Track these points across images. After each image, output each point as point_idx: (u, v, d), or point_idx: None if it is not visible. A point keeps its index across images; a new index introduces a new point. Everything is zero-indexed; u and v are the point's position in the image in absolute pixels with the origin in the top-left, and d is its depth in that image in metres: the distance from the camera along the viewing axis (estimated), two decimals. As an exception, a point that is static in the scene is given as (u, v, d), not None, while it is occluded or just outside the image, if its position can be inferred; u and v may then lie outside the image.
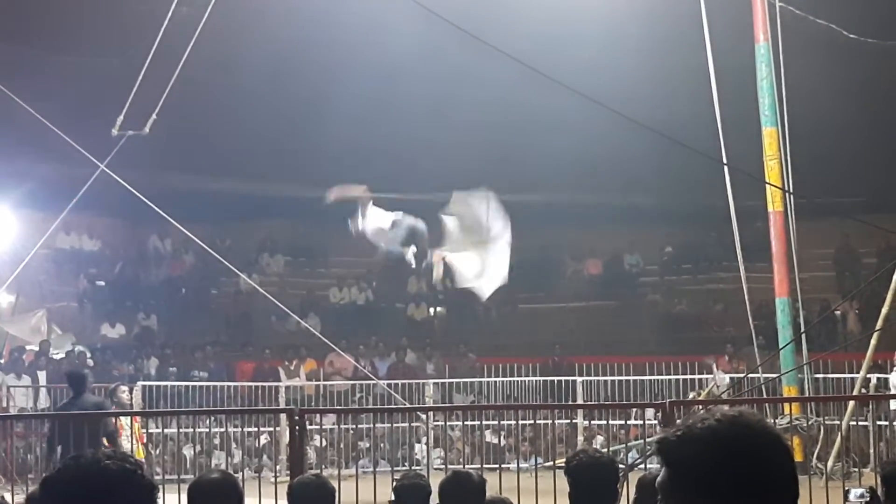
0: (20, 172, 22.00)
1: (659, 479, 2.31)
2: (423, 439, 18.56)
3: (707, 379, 20.51)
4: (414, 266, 14.98)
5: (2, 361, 22.00)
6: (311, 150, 23.75)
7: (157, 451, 17.90)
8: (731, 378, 19.13)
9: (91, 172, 15.15)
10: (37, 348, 22.69)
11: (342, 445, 18.63)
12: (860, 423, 16.24)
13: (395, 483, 6.20)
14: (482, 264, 14.47)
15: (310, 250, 30.25)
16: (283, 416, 16.02)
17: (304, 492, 5.79)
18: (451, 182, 24.03)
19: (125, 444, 13.86)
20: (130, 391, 19.96)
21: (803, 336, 15.39)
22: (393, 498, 6.05)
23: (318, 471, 13.01)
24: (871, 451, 15.85)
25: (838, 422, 15.60)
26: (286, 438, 13.33)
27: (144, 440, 16.38)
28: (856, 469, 13.96)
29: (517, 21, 19.55)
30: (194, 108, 21.15)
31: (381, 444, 18.74)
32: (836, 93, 21.37)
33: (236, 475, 16.28)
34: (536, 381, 21.96)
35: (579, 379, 20.80)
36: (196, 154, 24.74)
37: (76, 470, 2.38)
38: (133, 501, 2.38)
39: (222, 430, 17.54)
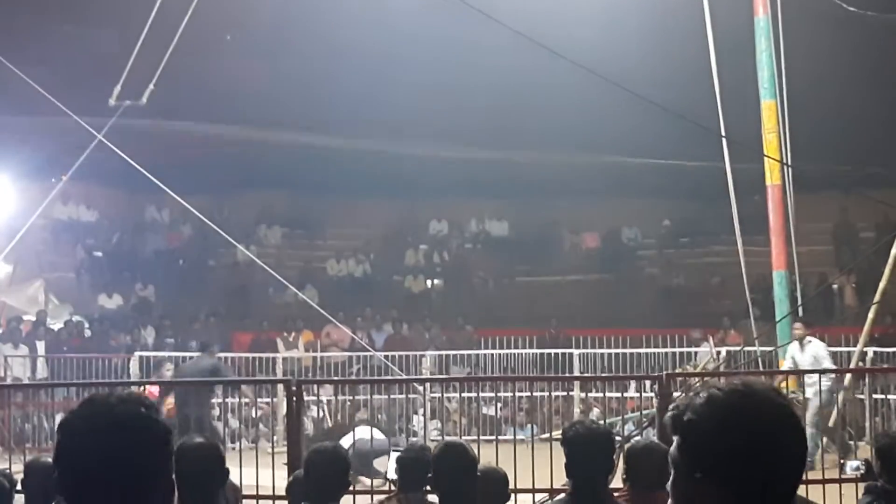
0: (17, 142, 21.96)
1: (671, 450, 2.31)
2: (420, 411, 18.60)
3: (697, 352, 20.58)
4: None
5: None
6: (311, 122, 23.71)
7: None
8: (728, 351, 19.15)
9: (88, 142, 15.12)
10: (34, 318, 22.71)
11: (339, 416, 18.66)
12: (856, 396, 16.28)
13: (397, 455, 6.20)
14: None
15: (307, 222, 30.26)
16: (280, 387, 16.05)
17: (320, 460, 5.83)
18: (447, 148, 24.06)
19: None
20: (128, 360, 20.03)
21: (800, 309, 15.39)
22: (395, 467, 6.06)
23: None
24: (867, 424, 15.90)
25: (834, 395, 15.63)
26: (283, 409, 13.34)
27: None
28: (851, 442, 14.02)
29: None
30: (192, 77, 21.07)
31: (379, 416, 18.77)
32: (835, 67, 21.30)
33: (234, 445, 16.39)
34: (533, 353, 22.00)
35: (576, 351, 20.84)
36: (194, 124, 24.69)
37: (91, 412, 2.38)
38: (148, 444, 2.37)
39: (219, 400, 17.56)
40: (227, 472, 5.08)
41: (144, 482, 2.35)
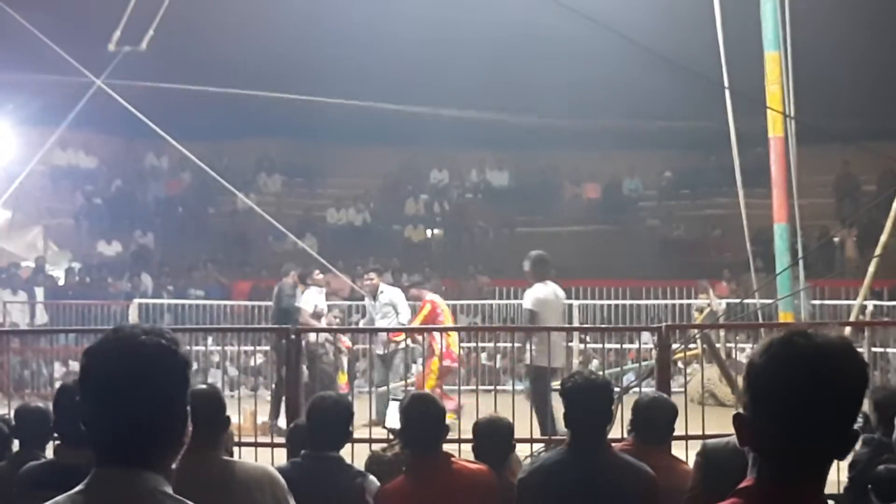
0: (16, 87, 21.83)
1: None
2: (420, 360, 18.60)
3: (703, 304, 20.55)
4: None
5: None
6: (310, 69, 23.56)
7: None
8: (727, 303, 19.16)
9: (87, 87, 15.03)
10: (33, 264, 22.70)
11: (338, 365, 18.67)
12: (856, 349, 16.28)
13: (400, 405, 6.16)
14: None
15: (307, 170, 30.20)
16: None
17: (323, 408, 5.82)
18: (448, 97, 23.92)
19: None
20: (127, 307, 20.02)
21: (801, 262, 15.36)
22: (399, 416, 6.03)
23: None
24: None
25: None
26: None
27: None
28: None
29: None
30: (192, 23, 20.93)
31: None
32: (841, 18, 21.16)
33: (233, 393, 16.43)
34: (533, 303, 21.97)
35: (576, 302, 20.81)
36: (194, 70, 24.54)
37: (116, 342, 2.53)
38: (168, 375, 2.52)
39: (219, 348, 17.58)
40: (227, 419, 5.08)
41: (161, 408, 2.50)
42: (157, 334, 2.53)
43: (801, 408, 2.26)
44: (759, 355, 2.33)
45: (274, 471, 4.86)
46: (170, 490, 2.50)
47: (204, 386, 5.38)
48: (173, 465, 2.55)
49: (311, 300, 14.96)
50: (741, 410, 2.38)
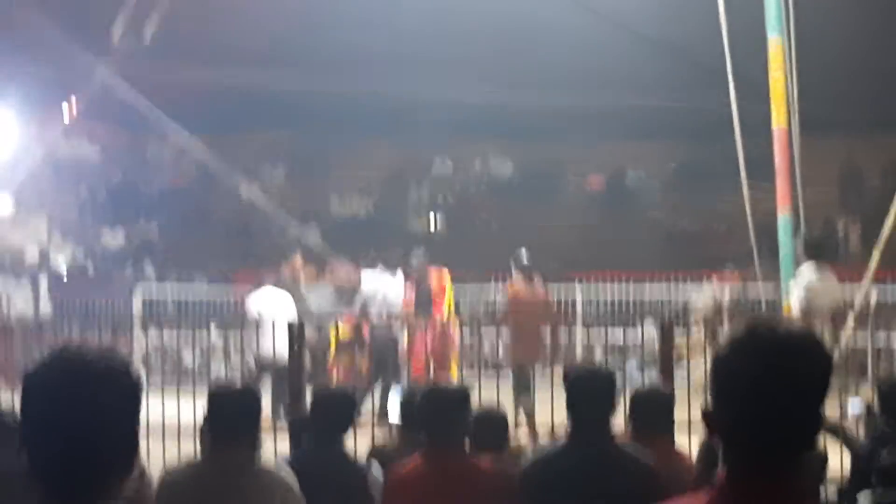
0: (20, 77, 21.84)
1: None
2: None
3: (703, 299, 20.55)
4: None
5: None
6: (312, 58, 23.57)
7: (158, 359, 18.03)
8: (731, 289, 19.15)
9: (94, 78, 15.07)
10: (37, 255, 22.71)
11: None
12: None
13: (401, 401, 6.16)
14: None
15: (310, 161, 30.14)
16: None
17: (328, 401, 5.84)
18: (451, 88, 23.90)
19: None
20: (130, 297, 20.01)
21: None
22: (399, 412, 6.03)
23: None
24: (869, 367, 15.90)
25: (837, 338, 15.62)
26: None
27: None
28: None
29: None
30: (196, 14, 20.92)
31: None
32: (844, 3, 21.11)
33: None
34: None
35: (579, 294, 20.83)
36: (199, 61, 24.55)
37: (61, 364, 2.29)
38: (117, 398, 2.30)
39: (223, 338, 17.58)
40: (259, 422, 5.09)
41: (110, 435, 2.29)
42: (105, 354, 2.33)
43: (766, 400, 2.24)
44: (723, 348, 2.33)
45: (289, 480, 4.85)
46: None
47: (239, 386, 5.37)
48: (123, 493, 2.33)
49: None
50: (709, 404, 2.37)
